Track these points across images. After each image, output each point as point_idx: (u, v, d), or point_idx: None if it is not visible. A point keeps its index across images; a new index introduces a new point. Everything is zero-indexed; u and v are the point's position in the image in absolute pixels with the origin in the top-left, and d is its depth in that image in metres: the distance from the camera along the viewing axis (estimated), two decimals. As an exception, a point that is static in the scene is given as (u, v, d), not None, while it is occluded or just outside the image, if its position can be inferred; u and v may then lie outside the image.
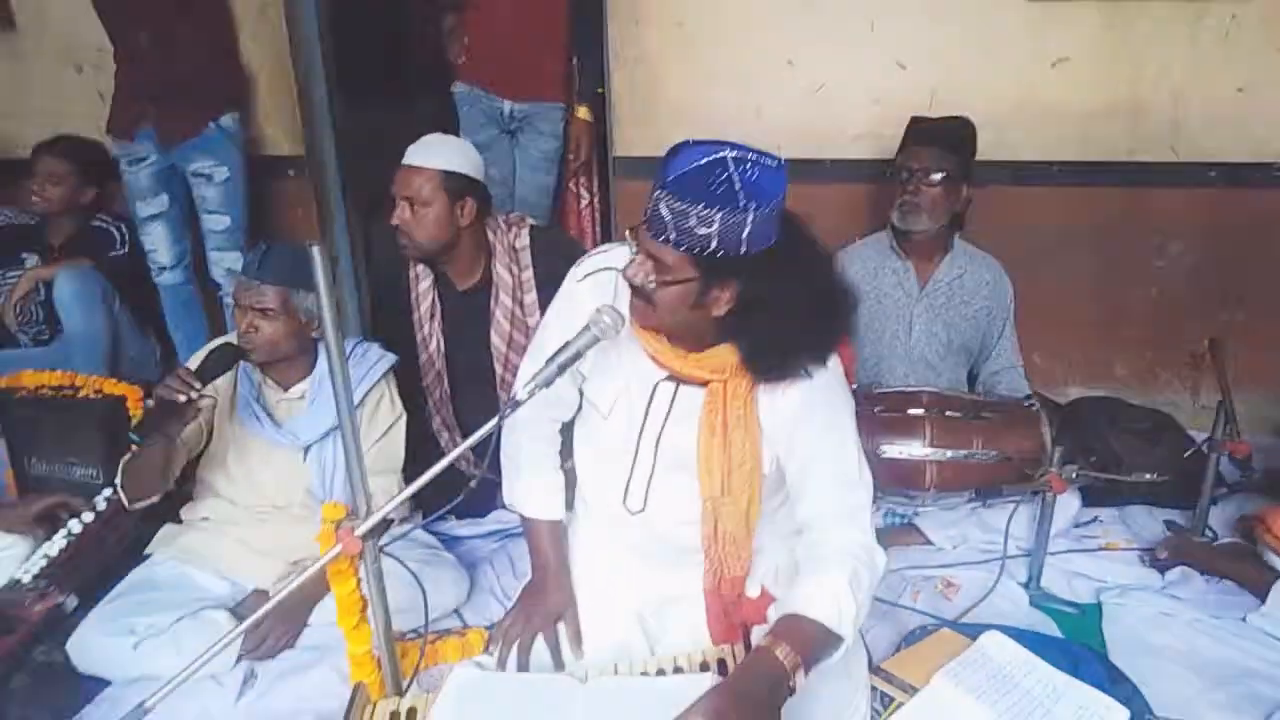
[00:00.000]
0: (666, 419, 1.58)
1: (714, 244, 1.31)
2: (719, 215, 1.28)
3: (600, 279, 1.61)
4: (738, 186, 1.28)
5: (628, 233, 1.43)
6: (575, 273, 1.65)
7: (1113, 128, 2.70)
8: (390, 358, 2.17)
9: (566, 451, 1.84)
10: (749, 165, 1.30)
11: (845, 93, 2.81)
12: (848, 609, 1.37)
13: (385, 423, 2.14)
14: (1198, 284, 2.81)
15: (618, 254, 1.60)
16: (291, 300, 1.99)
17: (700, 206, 1.28)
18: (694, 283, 1.37)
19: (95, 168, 3.12)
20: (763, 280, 1.36)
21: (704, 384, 1.53)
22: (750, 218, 1.29)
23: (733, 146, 1.32)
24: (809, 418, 1.51)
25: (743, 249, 1.31)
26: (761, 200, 1.29)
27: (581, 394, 1.72)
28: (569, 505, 1.86)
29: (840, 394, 1.56)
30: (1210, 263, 2.78)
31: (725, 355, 1.48)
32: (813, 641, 1.34)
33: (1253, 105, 2.61)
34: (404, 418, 2.19)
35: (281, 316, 1.99)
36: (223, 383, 2.05)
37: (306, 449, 2.10)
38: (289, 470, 2.11)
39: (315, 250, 1.35)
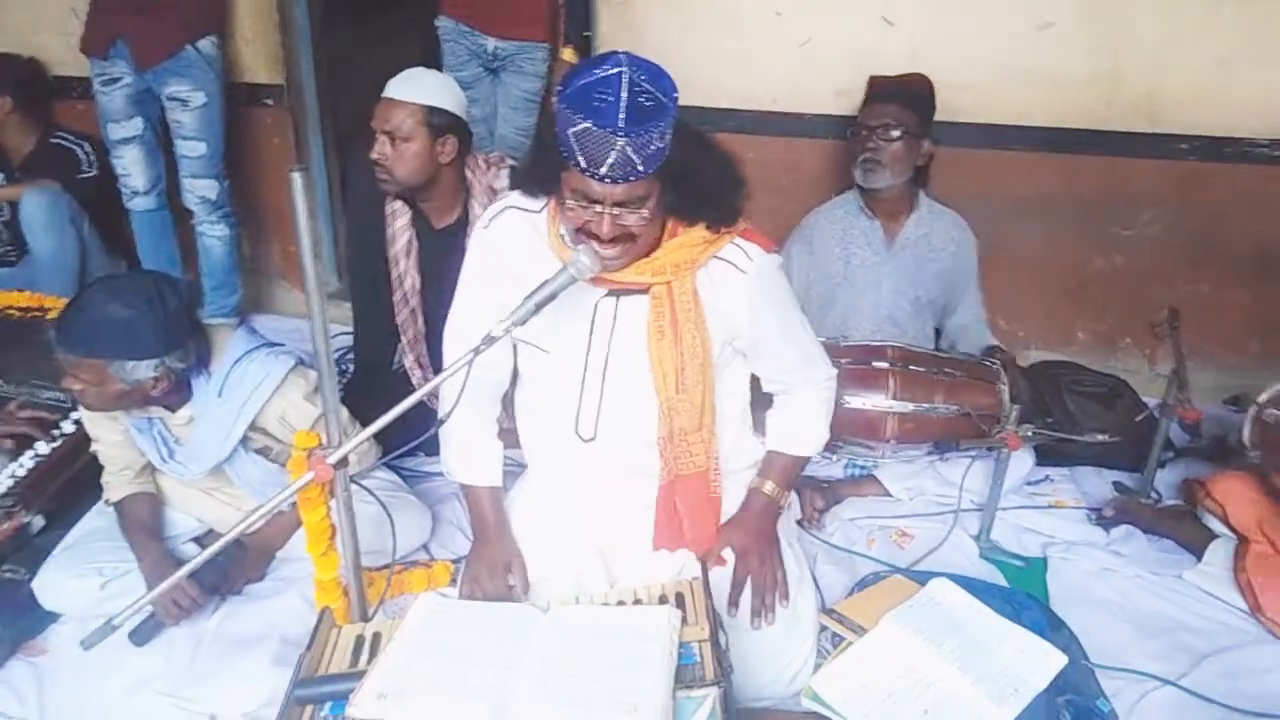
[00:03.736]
0: (612, 335, 1.62)
1: (666, 149, 1.39)
2: (667, 123, 1.36)
3: (505, 221, 1.65)
4: (657, 92, 1.35)
5: (568, 203, 1.44)
6: (479, 223, 1.70)
7: (1091, 95, 2.71)
8: (281, 368, 1.92)
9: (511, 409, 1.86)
10: (638, 69, 1.36)
11: (831, 47, 2.80)
12: (819, 436, 1.83)
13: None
14: (1162, 255, 2.86)
15: (518, 195, 1.65)
16: (107, 371, 1.72)
17: (659, 125, 1.34)
18: (658, 190, 1.44)
19: (10, 79, 3.05)
20: (683, 150, 1.44)
21: (645, 290, 1.57)
22: (675, 109, 1.37)
23: (606, 64, 1.35)
24: (758, 310, 1.64)
25: (672, 139, 1.40)
26: (672, 90, 1.37)
27: (515, 347, 1.72)
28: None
29: (777, 282, 1.68)
30: (1176, 234, 2.83)
31: (673, 252, 1.54)
32: (793, 471, 1.84)
33: (1232, 79, 2.63)
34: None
35: (102, 385, 1.74)
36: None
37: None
38: (214, 473, 1.99)
39: (297, 177, 1.35)
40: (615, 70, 1.33)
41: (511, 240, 1.62)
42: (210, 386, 1.88)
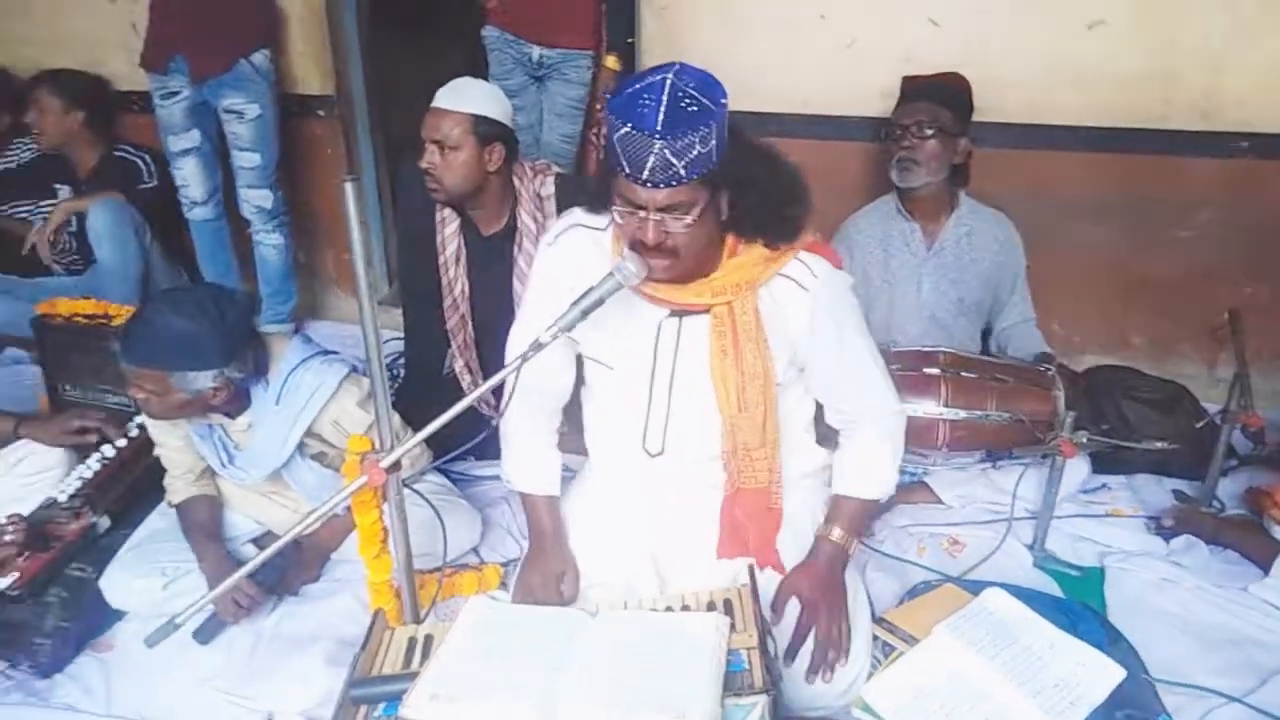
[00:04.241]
0: (676, 354, 1.63)
1: (713, 156, 1.38)
2: (710, 129, 1.35)
3: (570, 238, 1.66)
4: (701, 98, 1.35)
5: (615, 210, 1.46)
6: (545, 239, 1.72)
7: (1145, 94, 2.65)
8: (336, 376, 1.95)
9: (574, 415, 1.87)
10: (687, 77, 1.36)
11: (876, 49, 2.78)
12: (888, 478, 1.75)
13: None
14: (1221, 256, 2.78)
15: (583, 213, 1.66)
16: (169, 381, 1.78)
17: (699, 130, 1.34)
18: (708, 202, 1.43)
19: (78, 93, 3.15)
20: (740, 163, 1.45)
21: (706, 310, 1.58)
22: (724, 115, 1.38)
23: (656, 72, 1.37)
24: (818, 325, 1.61)
25: (724, 147, 1.40)
26: (720, 97, 1.38)
27: (580, 360, 1.76)
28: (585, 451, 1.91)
29: (843, 300, 1.65)
30: (1235, 235, 2.75)
31: (733, 272, 1.54)
32: (861, 516, 1.77)
33: (1291, 76, 2.56)
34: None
35: (165, 395, 1.80)
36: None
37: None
38: (274, 483, 2.05)
39: (349, 187, 1.37)
40: (661, 77, 1.35)
41: (576, 257, 1.63)
42: (268, 395, 1.92)
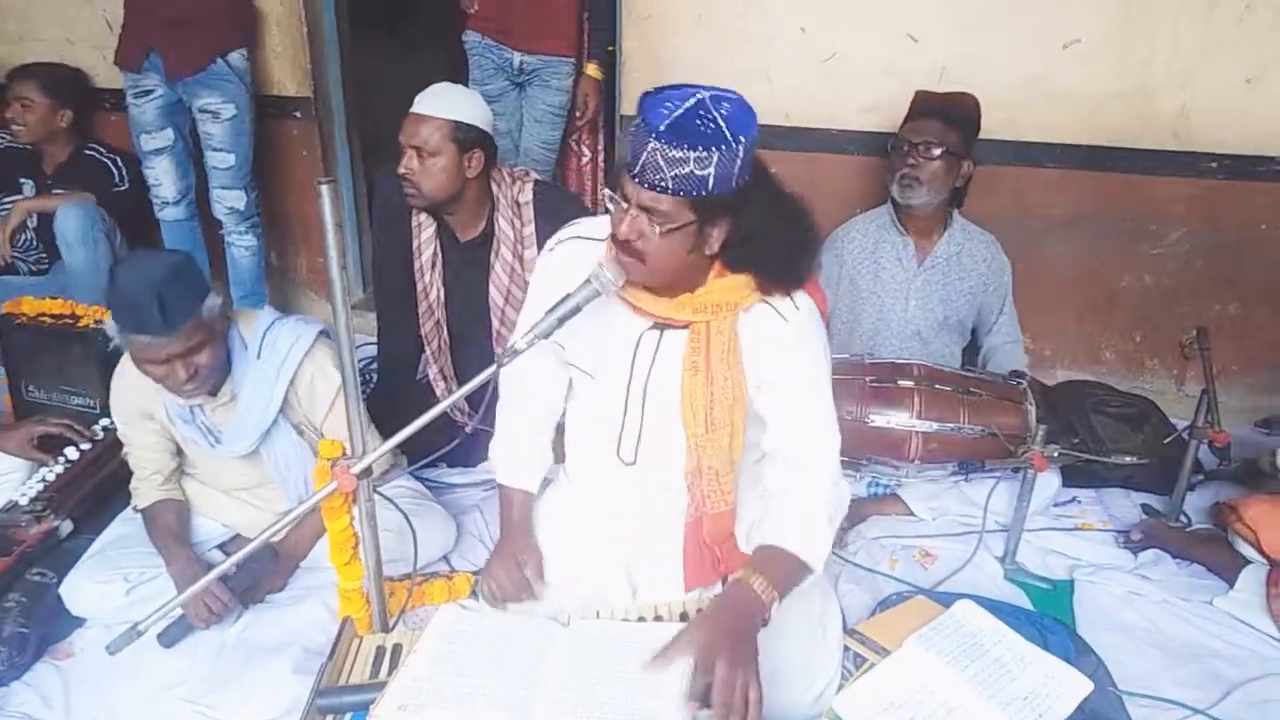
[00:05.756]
0: (652, 366, 1.62)
1: (711, 183, 1.35)
2: (715, 155, 1.33)
3: (568, 248, 1.65)
4: (723, 125, 1.33)
5: (606, 195, 1.45)
6: (547, 246, 1.71)
7: (1118, 113, 2.70)
8: (312, 330, 1.99)
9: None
10: (724, 103, 1.35)
11: (856, 63, 2.80)
12: (822, 543, 1.50)
13: (328, 394, 1.97)
14: (1192, 274, 2.83)
15: (587, 225, 1.66)
16: (205, 319, 1.79)
17: (698, 149, 1.32)
18: (691, 226, 1.40)
19: (68, 90, 3.12)
20: (753, 210, 1.42)
21: (686, 326, 1.57)
22: (740, 151, 1.35)
23: (701, 88, 1.36)
24: (787, 361, 1.56)
25: (734, 183, 1.37)
26: (746, 134, 1.35)
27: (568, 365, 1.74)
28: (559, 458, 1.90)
29: (816, 340, 1.60)
30: (1206, 253, 2.80)
31: (718, 292, 1.52)
32: (787, 574, 1.46)
33: (1260, 97, 2.61)
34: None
35: (210, 339, 1.82)
36: (150, 403, 1.96)
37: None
38: (249, 463, 2.03)
39: (325, 190, 1.36)
40: (694, 91, 1.35)
41: (570, 267, 1.60)
42: (249, 353, 1.94)
